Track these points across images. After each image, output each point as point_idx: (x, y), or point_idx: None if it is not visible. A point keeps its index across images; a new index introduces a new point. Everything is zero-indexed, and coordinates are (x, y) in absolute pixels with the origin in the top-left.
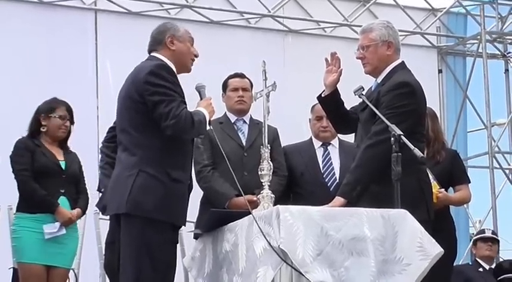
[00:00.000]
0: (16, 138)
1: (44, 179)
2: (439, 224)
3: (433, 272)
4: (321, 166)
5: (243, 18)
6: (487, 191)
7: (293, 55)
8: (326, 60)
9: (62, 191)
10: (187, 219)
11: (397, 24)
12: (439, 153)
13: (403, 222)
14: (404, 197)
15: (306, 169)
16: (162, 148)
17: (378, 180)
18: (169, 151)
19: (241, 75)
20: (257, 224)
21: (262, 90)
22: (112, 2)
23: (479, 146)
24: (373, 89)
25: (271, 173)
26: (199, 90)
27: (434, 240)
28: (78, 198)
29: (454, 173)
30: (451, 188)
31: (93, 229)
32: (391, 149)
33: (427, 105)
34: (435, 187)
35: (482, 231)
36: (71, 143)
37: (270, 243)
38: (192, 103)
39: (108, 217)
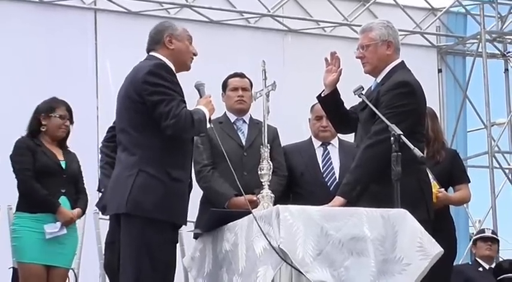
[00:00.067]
0: (16, 138)
1: (45, 179)
2: (439, 223)
3: (433, 271)
4: (320, 166)
5: (243, 17)
6: (486, 191)
7: (293, 55)
8: (326, 59)
9: (63, 190)
10: (187, 219)
11: (396, 23)
12: (438, 153)
13: (403, 222)
14: (404, 197)
15: (306, 169)
16: (161, 147)
17: (377, 180)
18: (169, 150)
19: (241, 75)
20: (257, 223)
21: (262, 89)
22: (112, 1)
23: (479, 146)
24: (372, 88)
25: (270, 173)
26: (199, 88)
27: (434, 240)
28: (78, 198)
29: (454, 172)
30: (451, 188)
31: (93, 229)
32: (391, 148)
33: (427, 105)
34: (435, 187)
35: (482, 231)
36: (71, 143)
37: (270, 243)
38: (192, 101)
39: (107, 217)
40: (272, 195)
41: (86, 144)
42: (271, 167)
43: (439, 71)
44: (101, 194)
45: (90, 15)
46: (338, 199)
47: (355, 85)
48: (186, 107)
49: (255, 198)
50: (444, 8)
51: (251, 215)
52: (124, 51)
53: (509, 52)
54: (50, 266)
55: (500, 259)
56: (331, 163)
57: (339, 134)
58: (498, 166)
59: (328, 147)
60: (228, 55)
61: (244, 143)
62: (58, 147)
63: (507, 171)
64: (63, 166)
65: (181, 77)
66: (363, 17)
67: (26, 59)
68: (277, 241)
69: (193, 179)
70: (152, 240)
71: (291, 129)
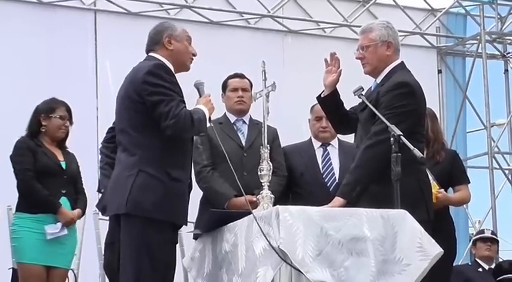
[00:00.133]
0: (16, 138)
1: (46, 179)
2: (439, 224)
3: (433, 272)
4: (320, 166)
5: (243, 18)
6: (486, 191)
7: (293, 55)
8: (325, 60)
9: (63, 191)
10: (187, 219)
11: (396, 24)
12: (438, 153)
13: (403, 222)
14: (404, 197)
15: (306, 169)
16: (161, 148)
17: (377, 180)
18: (169, 150)
19: (240, 76)
20: (257, 223)
21: (262, 90)
22: (111, 2)
23: (479, 146)
24: (372, 89)
25: (270, 173)
26: (198, 87)
27: (434, 241)
28: (77, 199)
29: (454, 173)
30: (450, 189)
31: (93, 229)
32: (391, 149)
33: (427, 106)
34: (435, 187)
35: (482, 232)
36: (70, 144)
37: (270, 243)
38: (192, 101)
39: (107, 217)
40: (272, 195)
41: (85, 144)
42: (271, 167)
43: (439, 71)
44: (100, 194)
45: (90, 16)
46: (338, 199)
47: (354, 86)
48: (185, 107)
49: (254, 198)
50: (444, 8)
51: (251, 215)
52: (124, 51)
53: (509, 53)
54: (49, 266)
55: (500, 260)
56: (330, 164)
57: (338, 135)
58: (498, 167)
59: (328, 147)
60: (227, 56)
61: (244, 144)
62: (58, 148)
63: (507, 171)
64: (64, 167)
65: (181, 77)
66: (362, 17)
67: (25, 59)
68: (277, 241)
69: (193, 179)
70: (152, 240)
71: (291, 129)
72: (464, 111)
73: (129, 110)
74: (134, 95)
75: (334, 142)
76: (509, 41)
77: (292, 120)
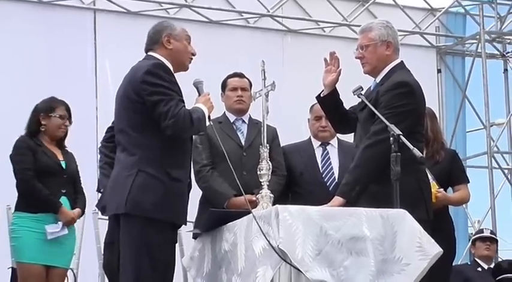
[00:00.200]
0: (15, 138)
1: (46, 179)
2: (438, 223)
3: (432, 271)
4: (320, 166)
5: (242, 17)
6: (485, 191)
7: (292, 55)
8: (325, 60)
9: (63, 191)
10: (187, 218)
11: (396, 24)
12: (438, 153)
13: (402, 222)
14: (403, 197)
15: (305, 169)
16: (161, 147)
17: (377, 180)
18: (169, 150)
19: (240, 75)
20: (257, 223)
21: (261, 89)
22: (111, 1)
23: (478, 146)
24: (372, 88)
25: (270, 173)
26: (197, 86)
27: (433, 240)
28: (77, 198)
29: (453, 173)
30: (450, 188)
31: (92, 229)
32: (390, 148)
33: (426, 105)
34: (434, 187)
35: (481, 231)
36: (70, 143)
37: (269, 243)
38: (191, 100)
39: (106, 217)
40: (271, 195)
41: (85, 144)
42: (271, 167)
43: (439, 71)
44: (100, 194)
45: (90, 15)
46: (337, 199)
47: (354, 85)
48: (184, 106)
49: (254, 198)
50: (443, 8)
51: (250, 215)
52: (123, 51)
53: (508, 52)
54: (49, 266)
55: (499, 259)
56: (330, 163)
57: (338, 134)
58: (497, 166)
59: (327, 147)
60: (227, 55)
61: (243, 143)
62: (57, 147)
63: (506, 171)
64: (64, 166)
65: (180, 76)
66: (362, 17)
67: (25, 59)
68: (277, 241)
69: (192, 178)
70: (152, 240)
71: (290, 129)
72: (463, 110)
73: (128, 110)
74: (133, 95)
75: (334, 141)
76: (508, 41)
77: (291, 120)
